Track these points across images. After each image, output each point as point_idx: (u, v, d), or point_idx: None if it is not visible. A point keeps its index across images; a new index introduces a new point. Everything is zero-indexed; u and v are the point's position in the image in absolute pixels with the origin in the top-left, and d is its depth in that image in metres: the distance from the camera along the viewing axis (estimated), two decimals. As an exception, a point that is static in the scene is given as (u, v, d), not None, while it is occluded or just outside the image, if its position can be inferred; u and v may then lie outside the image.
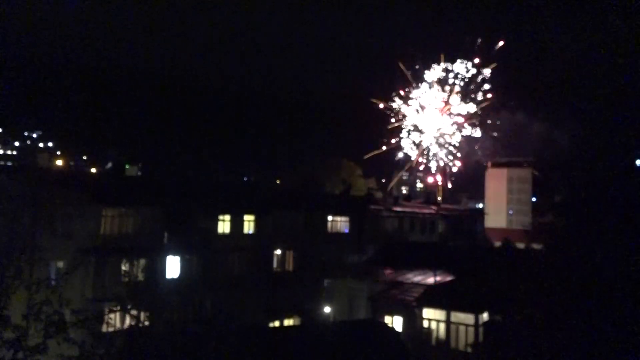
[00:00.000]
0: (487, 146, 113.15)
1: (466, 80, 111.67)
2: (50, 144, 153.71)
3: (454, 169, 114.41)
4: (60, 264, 32.60)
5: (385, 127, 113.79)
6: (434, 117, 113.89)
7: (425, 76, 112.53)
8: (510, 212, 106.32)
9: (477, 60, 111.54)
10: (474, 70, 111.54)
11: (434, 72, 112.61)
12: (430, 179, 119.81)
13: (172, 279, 36.36)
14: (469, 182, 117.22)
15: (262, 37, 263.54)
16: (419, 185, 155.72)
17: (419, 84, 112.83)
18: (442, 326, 32.58)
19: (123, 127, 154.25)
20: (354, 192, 75.71)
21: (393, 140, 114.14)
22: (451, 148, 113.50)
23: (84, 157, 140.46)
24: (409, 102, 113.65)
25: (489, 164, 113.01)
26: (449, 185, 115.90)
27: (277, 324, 41.30)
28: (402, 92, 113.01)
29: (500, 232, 73.96)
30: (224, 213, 41.65)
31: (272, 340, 25.10)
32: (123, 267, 33.55)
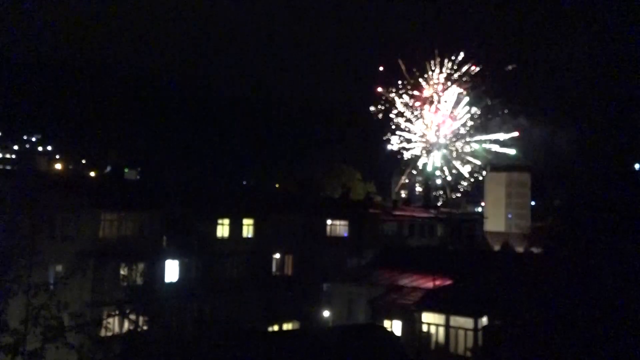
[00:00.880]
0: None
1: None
2: (49, 148, 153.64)
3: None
4: (59, 268, 32.52)
5: (386, 130, 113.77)
6: (436, 122, 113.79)
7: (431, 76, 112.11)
8: (510, 216, 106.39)
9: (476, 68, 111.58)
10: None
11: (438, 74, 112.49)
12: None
13: (171, 283, 36.30)
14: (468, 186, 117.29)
15: (262, 42, 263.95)
16: (418, 189, 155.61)
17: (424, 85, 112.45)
18: (442, 330, 32.52)
19: (122, 131, 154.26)
20: (353, 196, 75.75)
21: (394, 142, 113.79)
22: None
23: (83, 161, 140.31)
24: (410, 105, 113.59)
25: (489, 168, 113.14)
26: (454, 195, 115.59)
27: (276, 328, 41.24)
28: (403, 96, 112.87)
29: (499, 236, 74.00)
30: (222, 217, 41.61)
31: (271, 345, 25.03)
32: (122, 272, 33.53)
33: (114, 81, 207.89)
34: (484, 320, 31.79)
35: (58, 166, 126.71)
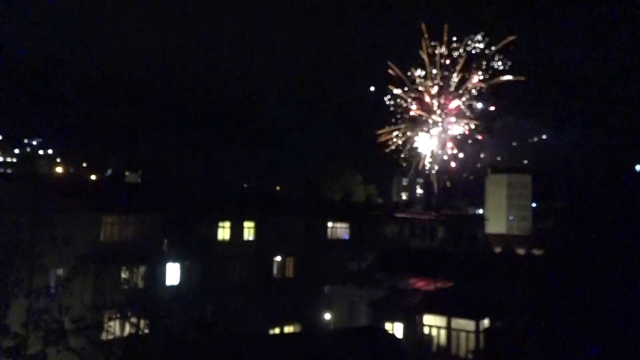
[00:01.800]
0: (489, 151, 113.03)
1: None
2: (50, 151, 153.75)
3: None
4: (60, 272, 32.46)
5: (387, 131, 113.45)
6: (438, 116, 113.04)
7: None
8: (511, 218, 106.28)
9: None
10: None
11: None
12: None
13: (172, 286, 36.25)
14: (469, 187, 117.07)
15: (262, 43, 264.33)
16: (419, 191, 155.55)
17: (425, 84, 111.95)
18: (443, 333, 32.47)
19: (123, 134, 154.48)
20: (354, 198, 75.75)
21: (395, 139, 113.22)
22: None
23: (84, 164, 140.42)
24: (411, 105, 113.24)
25: (489, 169, 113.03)
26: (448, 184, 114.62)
27: (277, 330, 41.18)
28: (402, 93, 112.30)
29: (500, 238, 73.87)
30: (224, 220, 41.60)
31: (272, 348, 25.00)
32: (123, 275, 33.49)
33: (115, 85, 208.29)
34: (486, 322, 31.75)
35: (59, 169, 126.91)
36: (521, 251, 57.99)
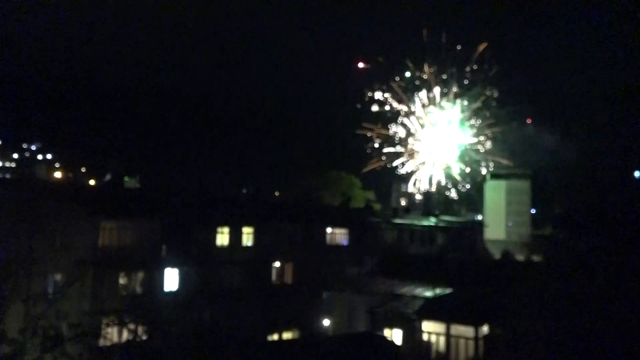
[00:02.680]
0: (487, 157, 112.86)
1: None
2: (49, 156, 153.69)
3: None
4: (58, 277, 32.43)
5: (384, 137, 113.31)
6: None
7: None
8: (510, 224, 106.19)
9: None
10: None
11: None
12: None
13: (171, 292, 36.14)
14: (468, 193, 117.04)
15: (262, 49, 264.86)
16: (418, 197, 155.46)
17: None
18: (442, 339, 32.38)
19: (122, 139, 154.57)
20: (353, 204, 75.68)
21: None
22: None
23: (83, 169, 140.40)
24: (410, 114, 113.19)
25: (488, 175, 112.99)
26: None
27: (275, 337, 41.07)
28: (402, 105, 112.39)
29: (499, 244, 73.86)
30: (222, 225, 41.55)
31: (271, 354, 24.93)
32: (121, 280, 33.41)
33: (115, 90, 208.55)
34: (485, 329, 31.67)
35: (58, 175, 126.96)
36: (520, 257, 57.97)
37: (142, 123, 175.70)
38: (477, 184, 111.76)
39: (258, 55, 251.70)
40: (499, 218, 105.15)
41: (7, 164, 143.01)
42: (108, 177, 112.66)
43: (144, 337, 23.40)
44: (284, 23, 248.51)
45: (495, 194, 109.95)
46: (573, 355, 20.34)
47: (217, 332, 25.35)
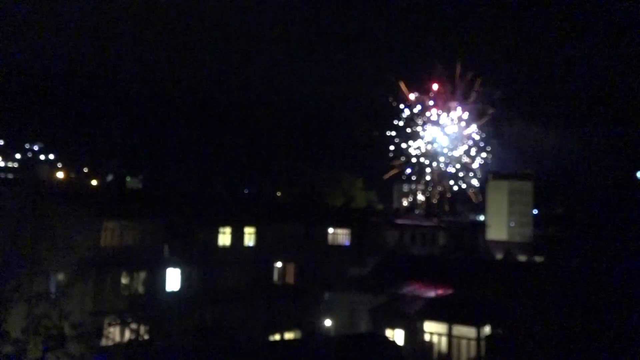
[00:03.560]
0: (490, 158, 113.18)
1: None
2: (51, 156, 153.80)
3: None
4: (60, 277, 32.49)
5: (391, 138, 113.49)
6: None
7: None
8: (512, 224, 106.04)
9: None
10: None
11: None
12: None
13: (172, 292, 36.20)
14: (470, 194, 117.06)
15: (263, 49, 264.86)
16: (420, 197, 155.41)
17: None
18: (444, 340, 32.37)
19: (124, 139, 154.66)
20: (355, 204, 75.69)
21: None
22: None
23: (85, 169, 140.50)
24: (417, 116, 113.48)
25: (490, 176, 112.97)
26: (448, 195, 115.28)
27: (277, 337, 41.06)
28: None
29: (501, 245, 73.72)
30: (224, 225, 41.57)
31: (272, 354, 24.92)
32: (123, 280, 33.46)
33: (117, 90, 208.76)
34: (487, 329, 31.65)
35: (60, 175, 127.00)
36: (522, 258, 57.96)
37: (144, 123, 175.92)
38: (480, 184, 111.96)
39: (258, 55, 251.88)
40: (501, 218, 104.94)
41: (10, 164, 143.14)
42: (110, 177, 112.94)
43: (146, 337, 23.45)
44: (283, 22, 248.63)
45: (497, 194, 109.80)
46: (574, 356, 20.33)
47: (219, 332, 25.42)
